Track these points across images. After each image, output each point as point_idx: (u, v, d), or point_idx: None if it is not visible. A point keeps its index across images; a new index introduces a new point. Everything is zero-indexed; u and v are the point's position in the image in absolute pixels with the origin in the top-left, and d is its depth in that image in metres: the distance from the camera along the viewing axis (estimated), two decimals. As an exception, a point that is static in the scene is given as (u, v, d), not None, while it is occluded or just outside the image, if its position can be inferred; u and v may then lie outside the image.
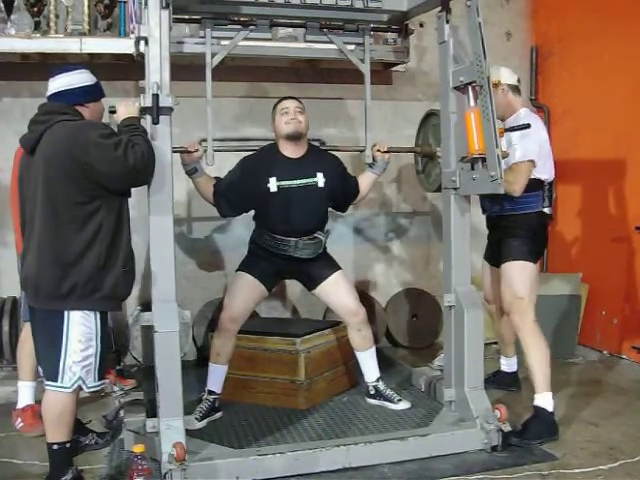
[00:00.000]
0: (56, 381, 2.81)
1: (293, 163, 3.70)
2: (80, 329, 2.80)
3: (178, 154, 3.56)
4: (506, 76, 3.76)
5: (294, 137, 3.68)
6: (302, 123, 3.68)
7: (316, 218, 3.77)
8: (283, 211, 3.66)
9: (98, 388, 2.99)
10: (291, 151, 3.71)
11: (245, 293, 3.73)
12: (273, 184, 3.63)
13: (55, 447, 2.85)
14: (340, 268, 3.88)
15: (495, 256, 3.86)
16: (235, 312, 3.71)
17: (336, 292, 3.82)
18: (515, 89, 3.78)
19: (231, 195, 3.70)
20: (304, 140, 3.75)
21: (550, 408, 3.45)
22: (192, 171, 3.64)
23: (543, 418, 3.44)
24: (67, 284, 2.75)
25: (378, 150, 3.93)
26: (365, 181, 4.00)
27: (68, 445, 2.89)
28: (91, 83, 3.01)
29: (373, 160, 3.96)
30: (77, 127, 2.78)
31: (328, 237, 3.83)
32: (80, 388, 2.86)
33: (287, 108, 3.69)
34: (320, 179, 3.71)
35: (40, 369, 3.07)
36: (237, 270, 3.83)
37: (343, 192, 3.91)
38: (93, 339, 2.84)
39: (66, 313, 2.78)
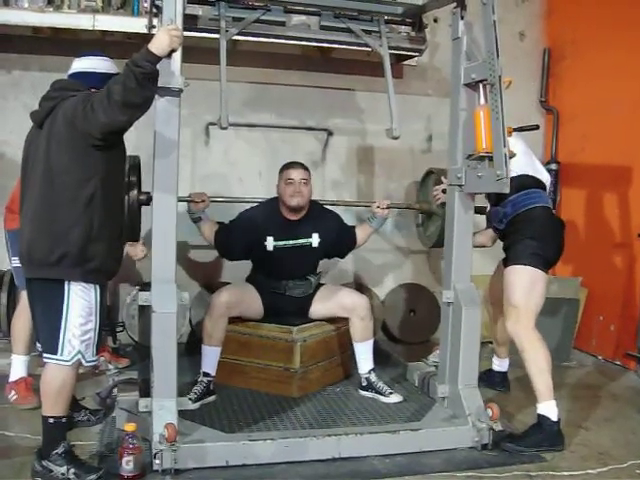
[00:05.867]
0: (55, 354, 2.81)
1: (291, 225, 3.95)
2: (81, 303, 2.81)
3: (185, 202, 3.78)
4: None
5: (296, 210, 3.91)
6: (305, 197, 3.90)
7: (308, 268, 4.11)
8: (277, 264, 3.97)
9: (95, 363, 3.01)
10: (291, 215, 3.95)
11: (244, 293, 3.96)
12: (270, 244, 3.92)
13: (51, 421, 2.85)
14: (324, 284, 4.17)
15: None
16: (230, 298, 3.82)
17: (331, 298, 4.04)
18: None
19: (230, 246, 3.97)
20: (305, 207, 3.97)
21: (554, 417, 3.36)
22: (197, 219, 3.86)
23: (545, 427, 3.35)
24: (57, 252, 2.74)
25: (378, 207, 4.10)
26: (363, 233, 4.21)
27: (64, 420, 2.89)
28: (113, 72, 2.99)
29: (373, 215, 4.15)
30: (76, 97, 2.77)
31: (319, 279, 4.13)
32: (79, 362, 2.86)
33: (292, 180, 3.88)
34: (315, 240, 4.00)
35: (38, 343, 3.06)
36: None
37: (340, 245, 4.21)
38: (93, 314, 2.85)
39: (66, 285, 2.78)
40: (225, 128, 3.40)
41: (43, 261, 2.77)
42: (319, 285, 4.14)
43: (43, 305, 2.85)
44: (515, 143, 3.60)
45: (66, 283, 2.79)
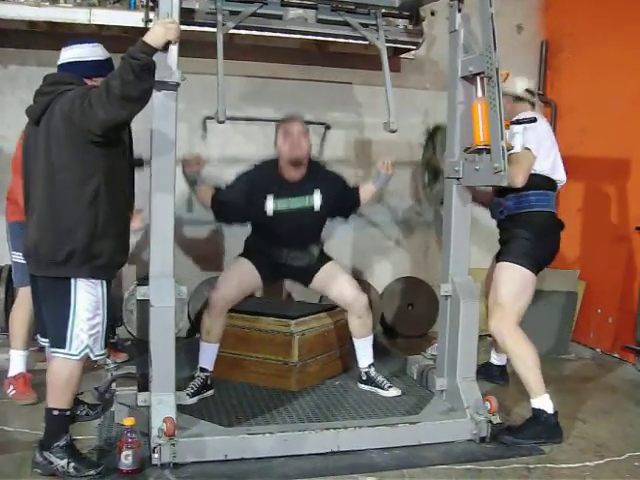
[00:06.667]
0: (63, 348, 2.82)
1: (291, 185, 3.79)
2: (88, 298, 2.82)
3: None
4: (511, 86, 3.70)
5: (296, 163, 3.75)
6: (305, 149, 3.75)
7: (310, 235, 3.93)
8: (278, 230, 3.81)
9: (104, 356, 3.04)
10: (291, 173, 3.80)
11: (240, 276, 3.82)
12: (269, 207, 3.75)
13: (55, 413, 2.86)
14: (332, 259, 3.98)
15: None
16: (227, 292, 3.76)
17: (334, 281, 3.89)
18: (518, 99, 3.72)
19: (228, 210, 3.82)
20: (305, 162, 3.82)
21: (550, 409, 3.37)
22: (193, 182, 3.72)
23: (542, 420, 3.36)
24: (64, 251, 2.76)
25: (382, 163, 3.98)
26: (366, 192, 4.06)
27: (68, 413, 2.91)
28: (103, 58, 3.00)
29: (377, 174, 4.02)
30: (73, 93, 2.77)
31: (322, 247, 3.99)
32: (88, 356, 2.88)
33: (291, 132, 3.73)
34: (317, 201, 3.81)
35: (40, 337, 3.08)
36: (237, 256, 3.94)
37: (343, 206, 4.03)
38: (100, 308, 2.87)
39: (72, 281, 2.79)
40: (222, 122, 3.40)
41: (50, 260, 2.78)
42: (326, 258, 3.98)
43: (50, 301, 2.86)
44: (546, 138, 3.57)
45: (73, 279, 2.80)
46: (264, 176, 3.81)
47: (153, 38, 2.70)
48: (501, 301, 3.52)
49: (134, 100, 2.66)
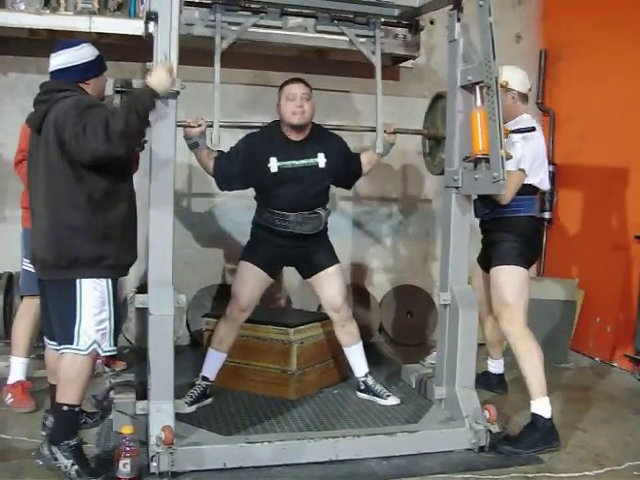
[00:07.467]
0: (72, 344, 2.85)
1: (295, 145, 3.70)
2: (93, 294, 2.86)
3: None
4: (518, 82, 3.71)
5: (297, 128, 3.67)
6: (307, 113, 3.64)
7: (316, 195, 3.77)
8: (283, 189, 3.66)
9: (114, 352, 3.05)
10: (294, 134, 3.71)
11: (251, 282, 3.77)
12: (274, 165, 3.63)
13: (64, 408, 2.87)
14: (339, 262, 3.92)
15: (485, 259, 3.85)
16: (244, 301, 3.74)
17: (328, 285, 3.85)
18: (524, 97, 3.75)
19: (231, 172, 3.69)
20: (308, 126, 3.74)
21: (547, 414, 3.38)
22: (193, 145, 3.61)
23: (539, 426, 3.37)
24: (70, 255, 2.80)
25: (385, 131, 3.85)
26: (368, 160, 3.96)
27: (77, 409, 2.92)
28: (92, 59, 2.99)
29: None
30: (67, 102, 2.79)
31: (329, 215, 3.84)
32: (97, 353, 2.90)
33: (294, 95, 3.63)
34: (321, 160, 3.70)
35: (47, 339, 3.10)
36: (241, 258, 3.84)
37: (346, 171, 3.91)
38: (106, 304, 2.90)
39: (77, 281, 2.83)
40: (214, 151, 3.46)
41: (56, 265, 2.83)
42: (334, 257, 3.89)
43: (57, 301, 2.90)
44: (539, 155, 3.61)
45: (77, 280, 2.84)
46: (267, 139, 3.73)
47: (159, 86, 2.83)
48: (507, 301, 3.56)
49: (132, 138, 2.77)
